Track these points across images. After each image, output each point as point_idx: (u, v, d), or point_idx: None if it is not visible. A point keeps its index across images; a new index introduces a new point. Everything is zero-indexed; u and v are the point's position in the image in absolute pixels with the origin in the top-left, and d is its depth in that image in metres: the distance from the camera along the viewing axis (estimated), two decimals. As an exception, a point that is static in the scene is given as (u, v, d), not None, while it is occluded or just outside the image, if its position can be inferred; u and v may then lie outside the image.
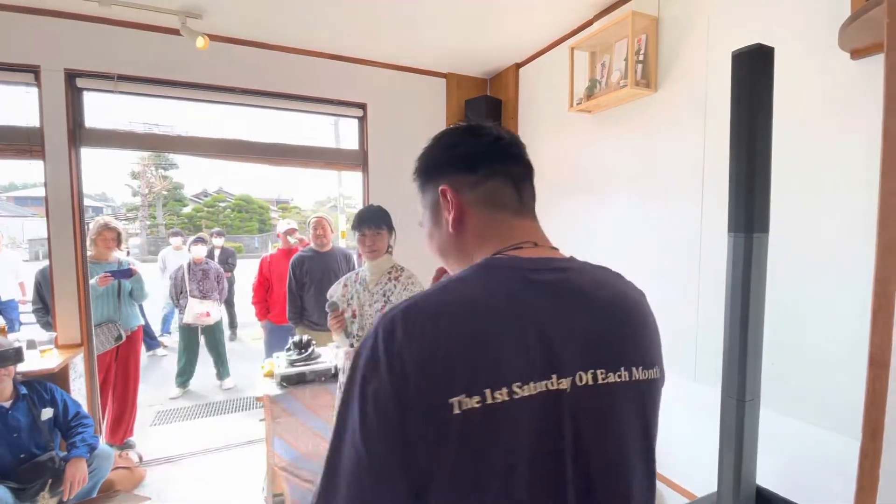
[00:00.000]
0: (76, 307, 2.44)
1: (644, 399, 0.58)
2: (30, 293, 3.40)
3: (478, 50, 2.86)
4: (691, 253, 1.87)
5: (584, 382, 0.53)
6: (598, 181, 2.39)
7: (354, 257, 3.30)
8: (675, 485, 1.92)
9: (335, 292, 1.92)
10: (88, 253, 2.68)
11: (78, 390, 2.42)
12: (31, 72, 2.30)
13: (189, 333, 4.03)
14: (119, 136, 2.63)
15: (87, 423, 2.15)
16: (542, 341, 0.52)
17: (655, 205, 2.05)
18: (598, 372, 0.54)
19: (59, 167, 2.35)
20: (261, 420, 2.27)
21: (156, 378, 4.44)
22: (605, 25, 2.10)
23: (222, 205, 27.29)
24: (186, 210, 26.17)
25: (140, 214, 23.62)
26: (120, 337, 2.84)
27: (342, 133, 7.92)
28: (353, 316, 1.84)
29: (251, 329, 5.95)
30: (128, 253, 5.53)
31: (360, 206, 2.60)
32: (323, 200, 30.74)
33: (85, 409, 2.27)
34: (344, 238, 6.87)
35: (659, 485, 1.67)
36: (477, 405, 0.48)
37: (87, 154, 2.50)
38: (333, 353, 2.42)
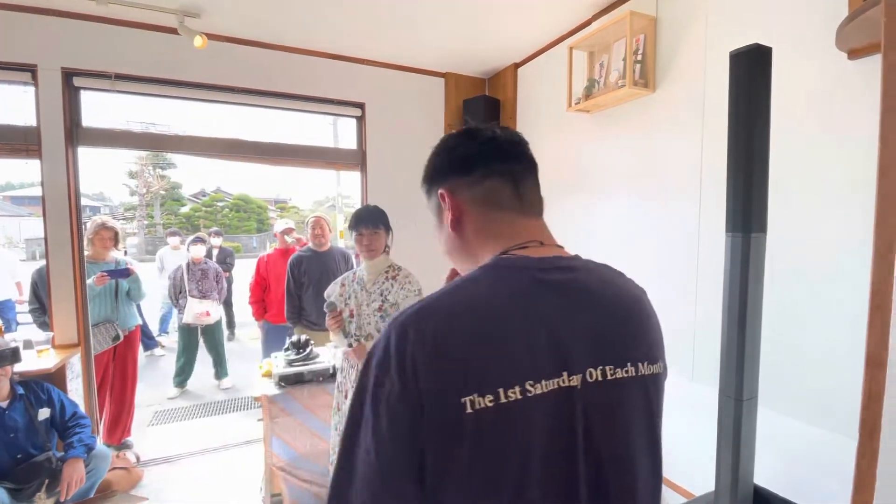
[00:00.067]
0: (73, 307, 2.43)
1: (649, 393, 0.59)
2: (27, 293, 3.38)
3: (476, 50, 2.86)
4: (689, 252, 1.87)
5: (594, 379, 0.54)
6: (596, 181, 2.39)
7: (353, 257, 3.29)
8: (673, 484, 1.93)
9: (333, 292, 1.91)
10: (86, 253, 2.67)
11: (75, 390, 2.41)
12: (29, 71, 2.29)
13: (189, 333, 4.02)
14: (116, 136, 2.62)
15: (84, 423, 2.15)
16: (552, 340, 0.53)
17: (654, 204, 2.05)
18: (607, 368, 0.55)
19: (56, 166, 2.34)
20: (259, 420, 2.26)
21: (153, 378, 4.43)
22: (603, 25, 2.10)
23: (220, 204, 27.24)
24: (184, 210, 26.13)
25: (138, 214, 23.56)
26: (117, 337, 2.83)
27: (341, 133, 7.91)
28: (351, 315, 1.84)
29: (249, 329, 5.93)
30: (125, 252, 5.52)
31: (358, 206, 2.60)
32: (321, 200, 30.72)
33: (82, 409, 2.26)
34: (342, 238, 6.86)
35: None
36: (490, 404, 0.48)
37: (85, 153, 2.50)
38: (331, 353, 2.41)
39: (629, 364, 0.57)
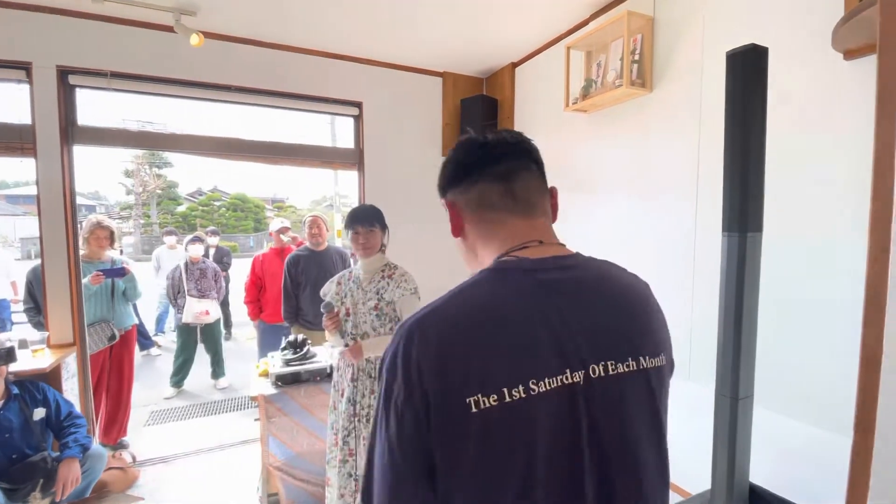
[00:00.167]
0: (68, 306, 2.42)
1: (652, 387, 0.60)
2: (22, 292, 3.37)
3: (474, 49, 2.85)
4: (686, 252, 1.87)
5: (596, 375, 0.55)
6: (593, 180, 2.40)
7: (350, 256, 3.29)
8: (670, 482, 1.93)
9: (328, 291, 1.91)
10: (81, 252, 2.65)
11: (70, 390, 2.40)
12: (23, 68, 2.28)
13: (188, 333, 4.01)
14: (112, 134, 2.61)
15: (79, 423, 2.14)
16: (553, 338, 0.54)
17: (650, 204, 2.06)
18: (609, 363, 0.56)
19: (52, 165, 2.33)
20: (255, 420, 2.26)
21: (150, 378, 4.42)
22: (600, 25, 2.10)
23: (217, 203, 27.13)
24: (181, 209, 26.00)
25: (134, 213, 23.47)
26: (113, 336, 2.82)
27: (338, 132, 7.89)
28: (347, 314, 1.84)
29: (246, 329, 5.92)
30: (121, 252, 5.49)
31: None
32: (319, 199, 30.69)
33: (78, 409, 2.25)
34: (340, 237, 6.85)
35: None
36: (494, 403, 0.50)
37: (80, 152, 2.48)
38: (328, 353, 2.41)
39: (630, 358, 0.58)
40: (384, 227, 1.87)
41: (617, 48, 2.10)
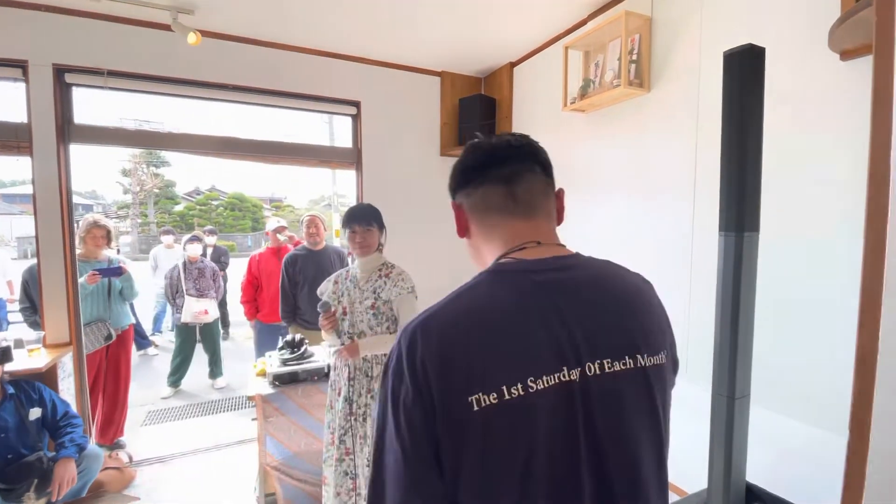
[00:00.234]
0: (65, 306, 2.41)
1: (651, 384, 0.60)
2: (18, 292, 3.35)
3: (473, 49, 2.85)
4: (683, 252, 1.88)
5: (592, 373, 0.56)
6: (590, 180, 2.40)
7: (347, 256, 3.28)
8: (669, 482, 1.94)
9: (325, 290, 1.91)
10: (77, 251, 2.65)
11: (66, 390, 2.39)
12: (19, 67, 2.26)
13: (187, 332, 4.00)
14: (109, 133, 2.60)
15: (75, 423, 2.13)
16: (551, 337, 0.55)
17: (648, 204, 2.06)
18: (605, 361, 0.57)
19: (48, 164, 2.32)
20: (253, 419, 2.26)
21: (147, 377, 4.41)
22: (598, 25, 2.10)
23: (215, 203, 27.07)
24: (178, 208, 25.93)
25: (131, 212, 23.38)
26: (110, 336, 2.81)
27: (336, 131, 7.88)
28: (344, 313, 1.83)
29: (243, 328, 5.90)
30: (118, 251, 5.47)
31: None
32: (317, 199, 30.66)
33: (74, 408, 2.24)
34: (338, 237, 6.84)
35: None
36: (494, 401, 0.51)
37: (77, 151, 2.46)
38: (326, 352, 2.41)
39: (627, 357, 0.58)
40: (381, 227, 1.87)
41: (615, 48, 2.10)
